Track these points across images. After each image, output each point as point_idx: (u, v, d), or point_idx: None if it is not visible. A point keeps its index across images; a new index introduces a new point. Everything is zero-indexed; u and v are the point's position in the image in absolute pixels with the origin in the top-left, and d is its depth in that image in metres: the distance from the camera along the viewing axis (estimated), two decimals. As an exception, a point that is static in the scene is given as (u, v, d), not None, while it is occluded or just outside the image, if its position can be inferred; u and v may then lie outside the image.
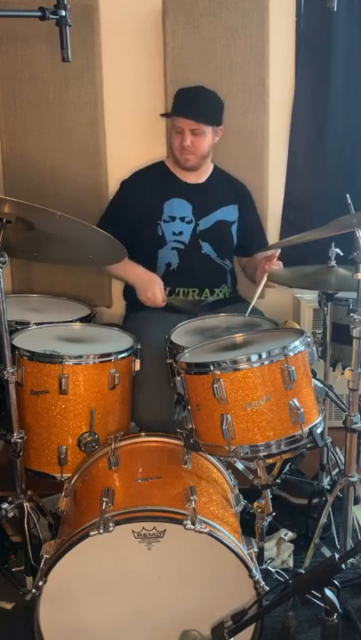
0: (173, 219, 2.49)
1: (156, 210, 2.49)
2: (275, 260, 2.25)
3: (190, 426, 1.78)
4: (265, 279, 2.22)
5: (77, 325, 2.29)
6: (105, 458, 1.84)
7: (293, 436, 1.68)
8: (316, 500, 2.24)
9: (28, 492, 1.95)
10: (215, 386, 1.65)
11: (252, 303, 2.21)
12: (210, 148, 2.48)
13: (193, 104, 2.41)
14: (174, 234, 2.49)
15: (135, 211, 2.50)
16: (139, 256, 2.48)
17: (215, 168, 2.61)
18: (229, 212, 2.57)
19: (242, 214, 2.60)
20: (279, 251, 2.29)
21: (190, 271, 2.50)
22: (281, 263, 2.28)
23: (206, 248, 2.52)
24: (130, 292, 2.63)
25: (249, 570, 1.57)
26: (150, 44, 2.66)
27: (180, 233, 2.49)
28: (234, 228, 2.58)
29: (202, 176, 2.56)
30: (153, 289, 2.37)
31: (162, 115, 2.53)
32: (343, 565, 1.39)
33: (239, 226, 2.59)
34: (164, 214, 2.48)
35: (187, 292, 2.51)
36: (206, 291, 2.53)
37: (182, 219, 2.49)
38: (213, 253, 2.54)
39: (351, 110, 2.77)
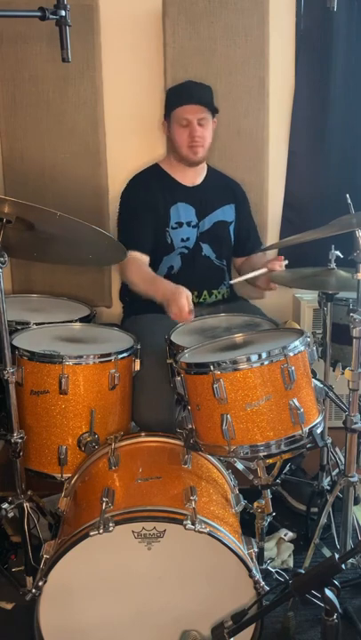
0: (181, 225, 2.46)
1: (163, 217, 2.45)
2: (280, 262, 2.28)
3: (190, 426, 1.78)
4: (263, 271, 2.26)
5: (77, 325, 2.28)
6: (105, 458, 1.84)
7: (293, 436, 1.68)
8: (315, 509, 2.24)
9: (28, 492, 1.95)
10: (215, 386, 1.65)
11: (241, 279, 2.20)
12: (211, 140, 2.47)
13: (193, 92, 2.42)
14: (182, 240, 2.47)
15: (147, 218, 2.44)
16: None
17: (209, 168, 2.60)
18: (227, 212, 2.57)
19: (238, 213, 2.60)
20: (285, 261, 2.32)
21: (190, 274, 2.47)
22: (284, 264, 2.30)
23: (206, 249, 2.52)
24: (126, 293, 2.61)
25: (249, 570, 1.57)
26: (150, 44, 2.66)
27: (188, 239, 2.48)
28: (232, 228, 2.58)
29: (198, 177, 2.55)
30: (178, 302, 2.07)
31: (164, 117, 2.49)
32: (343, 565, 1.39)
33: (236, 225, 2.59)
34: (172, 221, 2.46)
35: None
36: (205, 292, 2.51)
37: (188, 223, 2.48)
38: (213, 254, 2.53)
39: (351, 110, 2.77)
